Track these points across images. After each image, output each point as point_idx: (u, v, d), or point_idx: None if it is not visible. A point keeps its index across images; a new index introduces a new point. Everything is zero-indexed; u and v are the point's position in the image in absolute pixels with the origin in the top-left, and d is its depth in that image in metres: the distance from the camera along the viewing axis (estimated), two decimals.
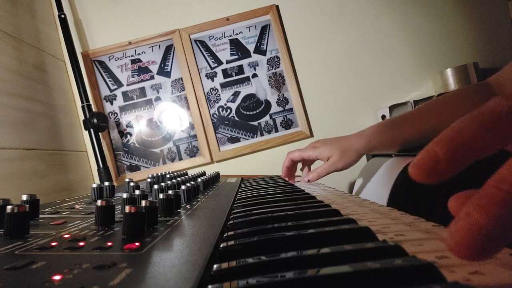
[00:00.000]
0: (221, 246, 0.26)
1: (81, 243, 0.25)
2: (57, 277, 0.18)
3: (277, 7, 1.30)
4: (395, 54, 1.30)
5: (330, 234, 0.25)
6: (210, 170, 1.19)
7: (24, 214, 0.27)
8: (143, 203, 0.31)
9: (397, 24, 1.31)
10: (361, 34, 1.31)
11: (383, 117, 1.24)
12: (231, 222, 0.35)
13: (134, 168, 1.25)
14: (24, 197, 0.35)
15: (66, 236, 0.28)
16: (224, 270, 0.20)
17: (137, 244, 0.25)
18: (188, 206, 0.45)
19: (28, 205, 0.28)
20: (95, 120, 1.12)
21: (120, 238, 0.27)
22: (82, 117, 1.18)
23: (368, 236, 0.25)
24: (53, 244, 0.25)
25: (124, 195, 0.38)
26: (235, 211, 0.43)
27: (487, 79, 0.74)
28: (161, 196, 0.38)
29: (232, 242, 0.26)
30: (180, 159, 1.26)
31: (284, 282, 0.16)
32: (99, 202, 0.32)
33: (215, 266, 0.21)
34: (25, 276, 0.18)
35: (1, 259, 0.22)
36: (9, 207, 0.27)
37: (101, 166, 1.12)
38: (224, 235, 0.30)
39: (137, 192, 0.42)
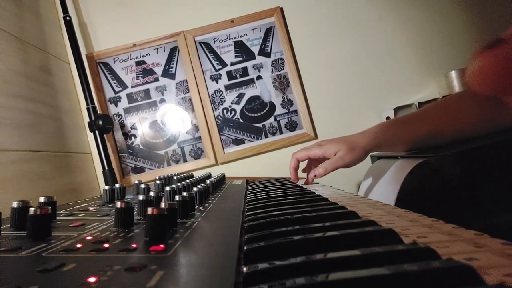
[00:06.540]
0: (246, 248, 0.26)
1: (106, 245, 0.25)
2: (92, 279, 0.18)
3: (281, 9, 1.30)
4: (399, 56, 1.30)
5: (355, 236, 0.25)
6: (214, 172, 1.19)
7: (46, 216, 0.27)
8: (163, 204, 0.31)
9: (401, 26, 1.31)
10: (365, 36, 1.31)
11: (387, 119, 1.24)
12: (250, 224, 0.35)
13: (138, 170, 1.25)
14: (42, 199, 0.35)
15: (89, 238, 0.28)
16: (258, 272, 0.20)
17: (161, 246, 0.25)
18: (201, 208, 0.45)
19: (50, 207, 0.28)
20: (100, 122, 1.12)
21: (143, 240, 0.27)
22: (86, 119, 1.18)
23: (393, 238, 0.25)
24: (78, 246, 0.25)
25: (140, 197, 0.38)
26: (249, 213, 0.43)
27: None
28: (177, 198, 0.38)
29: (256, 244, 0.26)
30: (185, 161, 1.26)
31: (322, 284, 0.16)
32: (118, 204, 0.32)
33: (245, 268, 0.21)
34: (59, 278, 0.18)
35: (30, 261, 0.22)
36: (31, 209, 0.27)
37: (106, 168, 1.12)
38: (245, 237, 0.30)
39: (151, 194, 0.41)
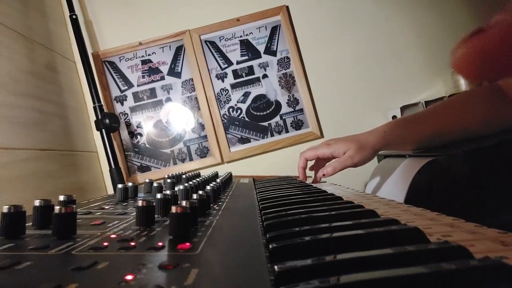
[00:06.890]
0: (271, 247, 0.26)
1: (132, 243, 0.25)
2: (129, 277, 0.18)
3: (287, 7, 1.30)
4: (406, 55, 1.30)
5: (382, 235, 0.25)
6: (220, 170, 1.19)
7: (72, 215, 0.27)
8: (184, 203, 0.31)
9: (407, 25, 1.31)
10: (371, 34, 1.31)
11: (394, 117, 1.24)
12: (269, 222, 0.35)
13: (144, 169, 1.25)
14: (61, 198, 0.35)
15: (113, 236, 0.28)
16: (290, 271, 0.20)
17: (187, 244, 0.25)
18: (216, 207, 0.46)
19: (74, 205, 0.28)
20: (107, 121, 1.12)
21: (167, 238, 0.27)
22: (92, 118, 1.18)
23: (420, 237, 0.25)
24: (105, 244, 0.25)
25: (159, 196, 0.38)
26: (265, 211, 0.43)
27: (498, 80, 0.74)
28: (195, 196, 0.38)
29: (281, 243, 0.26)
30: (191, 159, 1.26)
31: (362, 282, 0.16)
32: (140, 203, 0.32)
33: (276, 267, 0.21)
34: (96, 276, 0.18)
35: (61, 260, 0.22)
36: (57, 208, 0.27)
37: (113, 166, 1.12)
38: (268, 235, 0.30)
39: (168, 192, 0.42)
